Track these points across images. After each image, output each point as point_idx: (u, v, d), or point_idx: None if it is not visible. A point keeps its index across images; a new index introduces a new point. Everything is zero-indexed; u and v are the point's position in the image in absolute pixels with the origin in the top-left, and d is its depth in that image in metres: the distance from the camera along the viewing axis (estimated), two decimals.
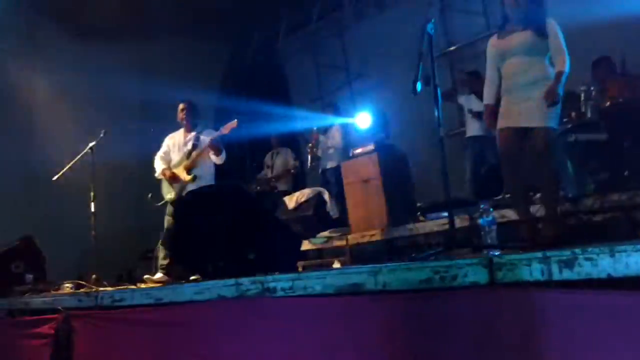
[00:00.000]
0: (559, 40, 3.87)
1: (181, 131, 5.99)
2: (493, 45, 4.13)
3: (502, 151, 3.93)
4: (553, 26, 3.88)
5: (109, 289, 5.02)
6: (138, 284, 5.60)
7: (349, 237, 6.01)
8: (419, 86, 3.44)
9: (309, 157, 8.03)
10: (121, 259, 8.49)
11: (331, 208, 6.66)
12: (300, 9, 10.60)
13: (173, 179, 5.70)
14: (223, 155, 5.71)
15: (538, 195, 4.38)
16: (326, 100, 9.82)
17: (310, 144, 8.11)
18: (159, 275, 5.57)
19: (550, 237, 3.65)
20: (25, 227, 6.72)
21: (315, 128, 8.15)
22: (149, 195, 5.86)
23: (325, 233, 6.28)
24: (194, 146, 5.71)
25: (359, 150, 6.38)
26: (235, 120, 5.59)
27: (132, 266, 8.47)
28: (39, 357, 4.37)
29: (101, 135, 6.06)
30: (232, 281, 3.27)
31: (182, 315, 3.53)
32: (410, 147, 6.88)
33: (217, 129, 5.70)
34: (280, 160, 8.69)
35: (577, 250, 2.04)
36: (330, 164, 7.78)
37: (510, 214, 4.33)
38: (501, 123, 3.94)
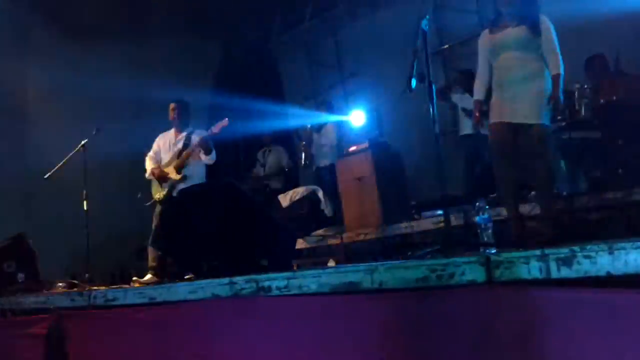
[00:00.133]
0: (552, 40, 3.86)
1: (172, 131, 5.97)
2: (485, 39, 4.09)
3: (493, 146, 3.91)
4: (546, 23, 3.87)
5: (102, 288, 4.98)
6: (131, 284, 5.56)
7: (344, 235, 5.99)
8: (413, 83, 3.42)
9: (303, 155, 8.00)
10: (115, 258, 8.45)
11: (325, 206, 6.64)
12: (293, 8, 10.59)
13: (163, 178, 5.69)
14: (213, 155, 5.70)
15: (532, 193, 4.39)
16: (319, 99, 9.80)
17: (303, 142, 8.08)
18: (148, 277, 5.53)
19: (547, 235, 3.64)
20: (18, 225, 6.66)
21: (308, 126, 8.13)
22: (139, 195, 5.83)
23: (320, 231, 6.26)
24: (185, 145, 5.71)
25: (353, 148, 6.37)
26: (226, 119, 5.59)
27: (126, 265, 8.43)
28: (31, 358, 4.33)
29: (93, 133, 6.03)
30: (226, 280, 3.24)
31: (176, 314, 3.50)
32: (404, 145, 6.87)
33: (208, 129, 5.66)
34: (273, 158, 8.65)
35: (576, 248, 2.02)
36: (324, 162, 7.77)
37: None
38: (494, 117, 3.92)
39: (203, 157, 5.64)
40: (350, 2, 9.88)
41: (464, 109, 6.58)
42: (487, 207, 3.76)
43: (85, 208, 5.93)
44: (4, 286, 5.64)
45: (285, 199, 6.87)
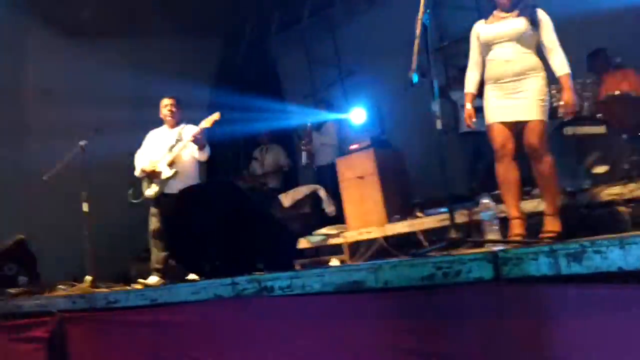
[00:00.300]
0: (553, 35, 3.76)
1: (163, 127, 5.89)
2: (480, 30, 3.96)
3: (496, 147, 3.83)
4: (546, 18, 3.78)
5: (104, 290, 4.94)
6: (133, 286, 5.52)
7: (346, 234, 5.95)
8: (415, 77, 3.37)
9: (304, 154, 7.96)
10: (116, 259, 8.41)
11: (327, 205, 6.60)
12: (291, 6, 10.56)
13: (153, 174, 5.59)
14: (207, 150, 5.61)
15: (533, 190, 4.34)
16: (318, 97, 9.77)
17: (303, 141, 8.04)
18: (154, 278, 5.49)
19: (554, 231, 3.59)
20: (18, 228, 6.62)
21: (308, 124, 8.10)
22: (129, 192, 5.77)
23: (322, 231, 6.21)
24: (177, 141, 5.60)
25: (354, 146, 6.32)
26: (218, 112, 5.49)
27: (127, 267, 8.40)
28: None
29: (93, 133, 6.00)
30: (228, 280, 3.21)
31: (178, 316, 3.48)
32: (406, 142, 6.83)
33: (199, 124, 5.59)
34: (271, 157, 8.61)
35: (586, 243, 1.98)
36: (324, 161, 7.73)
37: None
38: (492, 117, 3.83)
39: (196, 152, 5.56)
40: (348, 0, 9.84)
41: (464, 107, 6.53)
42: (492, 203, 3.72)
43: (85, 209, 5.89)
44: (5, 289, 5.62)
45: (286, 199, 6.83)
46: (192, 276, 4.88)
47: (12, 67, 8.57)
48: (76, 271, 6.28)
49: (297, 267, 5.66)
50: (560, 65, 3.74)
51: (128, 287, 5.46)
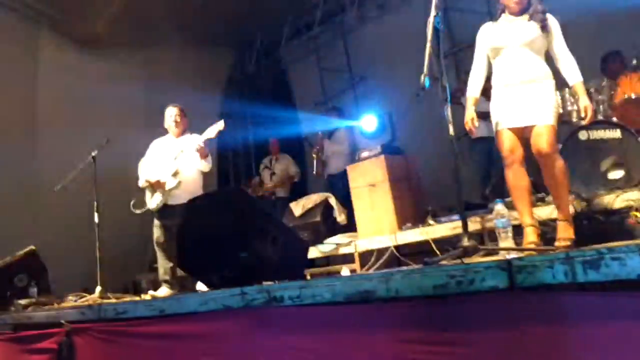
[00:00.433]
0: (563, 41, 3.71)
1: (168, 136, 5.85)
2: (488, 33, 3.89)
3: (505, 153, 3.76)
4: (555, 23, 3.72)
5: (113, 301, 4.91)
6: (142, 297, 5.49)
7: (357, 243, 5.89)
8: (427, 82, 3.31)
9: (315, 162, 7.92)
10: (127, 270, 8.41)
11: (338, 214, 6.54)
12: (303, 13, 10.59)
13: (157, 185, 5.55)
14: (209, 160, 5.58)
15: (548, 197, 4.26)
16: (330, 104, 9.74)
17: (315, 149, 8.01)
18: (164, 290, 5.45)
19: (568, 238, 3.51)
20: (29, 239, 6.61)
21: (320, 132, 8.06)
22: (132, 203, 5.73)
23: (333, 239, 6.15)
24: (181, 151, 5.54)
25: (365, 154, 6.26)
26: (222, 121, 5.41)
27: (138, 277, 8.40)
28: None
29: (103, 143, 5.98)
30: (237, 290, 3.16)
31: (186, 327, 3.43)
32: (417, 149, 6.77)
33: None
34: (281, 166, 8.58)
35: (603, 250, 1.91)
36: (335, 169, 7.69)
37: None
38: (501, 123, 3.77)
39: (199, 162, 5.52)
40: (359, 7, 9.82)
41: (476, 112, 6.46)
42: (505, 210, 3.65)
43: (96, 220, 5.88)
44: (16, 300, 5.61)
45: (297, 207, 6.77)
46: (200, 286, 4.85)
47: (23, 77, 8.61)
48: (87, 282, 6.26)
49: (308, 276, 5.63)
50: (574, 72, 3.69)
51: (137, 298, 5.42)
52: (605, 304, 1.88)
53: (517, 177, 3.71)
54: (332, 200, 6.65)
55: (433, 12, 3.50)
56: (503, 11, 3.85)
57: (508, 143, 3.71)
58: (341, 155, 7.79)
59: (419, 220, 5.69)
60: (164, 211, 5.52)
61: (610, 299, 1.89)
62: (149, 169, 5.69)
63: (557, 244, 3.52)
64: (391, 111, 7.76)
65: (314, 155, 8.01)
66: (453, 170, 3.46)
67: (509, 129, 3.70)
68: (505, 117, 3.71)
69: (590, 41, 5.73)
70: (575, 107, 5.03)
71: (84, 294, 5.68)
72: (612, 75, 5.48)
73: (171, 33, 9.42)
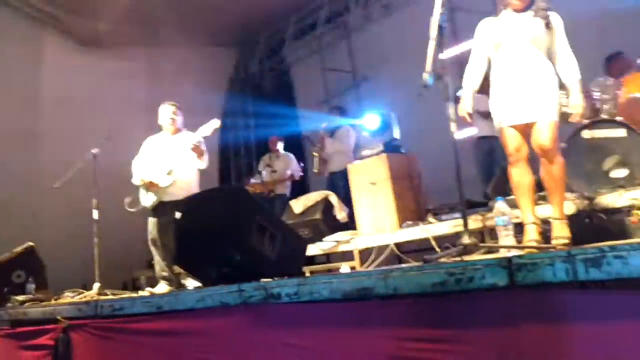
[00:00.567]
0: (566, 40, 3.66)
1: (162, 134, 5.81)
2: (490, 28, 3.82)
3: (510, 151, 3.71)
4: (558, 21, 3.68)
5: (110, 297, 4.89)
6: (140, 294, 5.47)
7: (357, 240, 5.85)
8: (429, 80, 3.26)
9: (316, 160, 7.89)
10: (126, 267, 8.39)
11: (339, 211, 6.50)
12: (306, 13, 10.57)
13: (152, 183, 5.50)
14: (206, 158, 5.54)
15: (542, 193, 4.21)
16: (333, 104, 9.71)
17: (317, 147, 7.98)
18: (162, 287, 5.42)
19: (566, 237, 3.47)
20: (28, 235, 6.60)
21: (321, 130, 8.03)
22: (126, 201, 5.70)
23: (333, 237, 6.12)
24: (177, 149, 5.51)
25: (366, 152, 6.22)
26: (216, 119, 5.40)
27: (137, 274, 8.38)
28: None
29: (103, 142, 5.95)
30: (234, 287, 3.14)
31: (183, 323, 3.41)
32: (419, 148, 6.73)
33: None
34: (281, 164, 8.54)
35: (605, 248, 1.88)
36: (337, 167, 7.66)
37: None
38: (505, 121, 3.72)
39: (196, 161, 5.48)
40: (363, 7, 9.79)
41: (478, 111, 6.42)
42: (506, 208, 3.61)
43: (95, 217, 5.85)
44: (13, 296, 5.60)
45: (297, 205, 6.74)
46: (191, 282, 4.83)
47: (26, 76, 8.62)
48: (86, 278, 6.24)
49: (307, 273, 5.59)
50: (573, 70, 3.66)
51: (134, 295, 5.40)
52: (607, 303, 1.84)
53: (521, 175, 3.67)
54: (333, 198, 6.61)
55: (438, 10, 3.44)
56: (505, 7, 3.80)
57: (514, 141, 3.66)
58: (342, 155, 7.76)
59: (420, 218, 5.66)
60: (159, 209, 5.49)
61: (611, 298, 1.85)
62: (143, 166, 5.65)
63: (554, 242, 3.47)
64: (393, 110, 7.72)
65: (315, 154, 7.98)
66: (455, 169, 3.41)
67: (513, 126, 3.66)
68: (509, 114, 3.67)
69: (594, 41, 5.69)
70: (568, 107, 4.99)
71: (82, 291, 5.65)
72: (616, 75, 5.45)
73: (174, 33, 9.43)
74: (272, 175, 8.45)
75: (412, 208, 5.83)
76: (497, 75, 3.75)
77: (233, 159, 11.94)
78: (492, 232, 4.42)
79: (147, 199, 5.52)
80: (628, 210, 3.92)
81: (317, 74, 10.64)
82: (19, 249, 6.11)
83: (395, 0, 9.36)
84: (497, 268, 2.12)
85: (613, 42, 5.74)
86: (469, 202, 4.91)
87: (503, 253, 3.21)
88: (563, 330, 1.90)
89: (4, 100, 8.11)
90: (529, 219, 3.62)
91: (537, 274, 2.02)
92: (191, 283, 5.10)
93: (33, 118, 8.66)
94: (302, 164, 8.84)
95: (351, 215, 6.30)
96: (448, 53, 3.56)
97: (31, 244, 6.18)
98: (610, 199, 4.21)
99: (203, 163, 5.52)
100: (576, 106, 3.65)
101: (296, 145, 9.43)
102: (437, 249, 4.70)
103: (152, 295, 4.60)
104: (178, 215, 4.29)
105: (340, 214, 6.48)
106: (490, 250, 3.40)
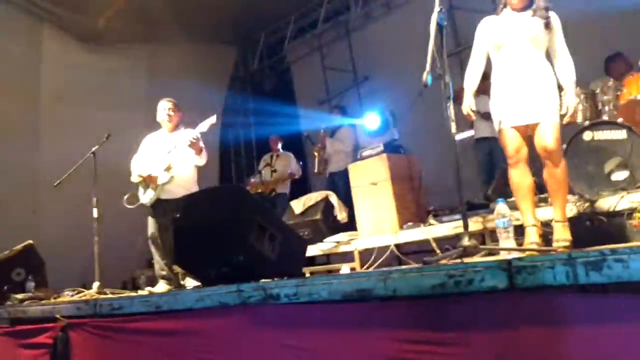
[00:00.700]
0: (563, 41, 3.66)
1: (161, 131, 5.77)
2: (490, 27, 3.80)
3: (510, 153, 3.69)
4: (557, 21, 3.66)
5: (109, 296, 4.88)
6: (140, 293, 5.46)
7: (358, 241, 5.84)
8: (429, 79, 3.25)
9: (317, 160, 7.89)
10: (126, 265, 8.38)
11: (339, 212, 6.49)
12: (307, 11, 10.58)
13: (150, 180, 5.47)
14: (204, 155, 5.50)
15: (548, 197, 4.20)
16: (333, 103, 9.70)
17: (317, 146, 7.97)
18: (162, 286, 5.40)
19: (567, 240, 3.46)
20: (28, 233, 6.59)
21: (322, 130, 8.03)
22: (125, 197, 5.68)
23: (334, 238, 6.11)
24: (175, 146, 5.46)
25: (367, 152, 6.21)
26: (214, 115, 5.34)
27: (137, 273, 8.37)
28: None
29: (104, 140, 5.94)
30: (233, 287, 3.12)
31: (182, 323, 3.41)
32: (420, 149, 6.72)
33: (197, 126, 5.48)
34: (282, 163, 8.53)
35: (606, 251, 1.86)
36: (337, 167, 7.65)
37: None
38: (505, 122, 3.70)
39: (194, 157, 5.45)
40: (363, 6, 9.79)
41: (478, 112, 6.41)
42: (507, 210, 3.59)
43: (95, 215, 5.84)
44: (13, 294, 5.59)
45: (298, 205, 6.73)
46: (190, 282, 4.81)
47: (26, 72, 8.60)
48: (86, 277, 6.24)
49: (307, 274, 5.58)
50: (570, 71, 3.66)
51: (133, 294, 5.39)
52: (607, 307, 1.83)
53: (521, 176, 3.65)
54: (333, 198, 6.60)
55: (437, 8, 3.43)
56: (505, 6, 3.78)
57: (513, 142, 3.65)
58: (343, 154, 7.76)
59: (420, 219, 5.65)
60: (158, 206, 5.47)
61: (612, 301, 1.84)
62: (141, 163, 5.63)
63: (555, 245, 3.46)
64: (394, 110, 7.71)
65: (315, 153, 7.98)
66: (455, 170, 3.40)
67: (513, 127, 3.64)
68: (509, 115, 3.65)
69: (594, 41, 5.68)
70: (580, 107, 4.97)
71: (81, 289, 5.64)
72: (616, 76, 5.43)
73: (175, 30, 9.43)
74: (272, 174, 8.45)
75: (413, 209, 5.82)
76: (498, 76, 3.74)
77: (234, 157, 11.95)
78: (492, 234, 4.41)
79: (146, 196, 5.50)
80: (629, 213, 3.90)
81: (317, 72, 10.64)
82: (18, 247, 6.10)
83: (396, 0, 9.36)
84: (496, 270, 2.11)
85: (613, 42, 5.73)
86: (469, 204, 4.91)
87: (503, 255, 3.20)
88: (563, 333, 1.89)
89: (5, 96, 8.10)
90: (530, 221, 3.61)
91: (537, 276, 2.01)
92: (190, 283, 5.09)
93: (33, 115, 8.66)
94: (301, 163, 8.84)
95: (351, 215, 6.29)
96: (448, 52, 3.52)
97: (31, 242, 6.18)
98: (611, 202, 4.19)
99: (201, 160, 5.49)
100: (569, 106, 3.64)
101: (296, 144, 9.42)
102: (438, 251, 4.69)
103: (151, 294, 4.58)
104: (177, 214, 4.28)
105: (341, 214, 6.47)
106: (491, 253, 3.38)
